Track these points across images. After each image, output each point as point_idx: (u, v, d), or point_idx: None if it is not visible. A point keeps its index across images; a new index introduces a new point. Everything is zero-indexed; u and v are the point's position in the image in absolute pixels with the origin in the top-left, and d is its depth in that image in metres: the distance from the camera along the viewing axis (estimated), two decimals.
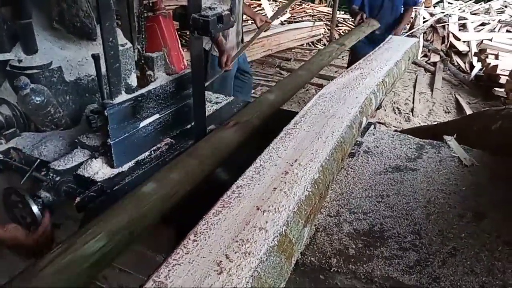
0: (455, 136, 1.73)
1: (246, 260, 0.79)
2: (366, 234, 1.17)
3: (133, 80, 2.00)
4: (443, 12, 7.17)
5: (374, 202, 1.31)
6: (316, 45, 7.14)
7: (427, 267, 1.06)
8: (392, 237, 1.16)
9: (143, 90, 1.45)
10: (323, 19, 7.80)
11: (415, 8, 3.96)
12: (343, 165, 1.47)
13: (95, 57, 1.34)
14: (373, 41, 3.42)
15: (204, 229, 0.87)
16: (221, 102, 1.99)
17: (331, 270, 1.05)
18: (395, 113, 4.95)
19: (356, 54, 3.70)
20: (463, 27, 6.81)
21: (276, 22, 7.53)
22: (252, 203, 0.96)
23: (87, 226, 0.90)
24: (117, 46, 1.32)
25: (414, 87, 5.58)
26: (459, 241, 1.15)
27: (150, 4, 2.31)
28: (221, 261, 0.79)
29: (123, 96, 1.37)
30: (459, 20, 6.90)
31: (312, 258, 1.08)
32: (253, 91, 5.32)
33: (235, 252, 0.81)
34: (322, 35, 7.30)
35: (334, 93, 1.60)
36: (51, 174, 1.30)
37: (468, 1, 8.06)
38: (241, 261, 0.79)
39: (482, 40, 6.15)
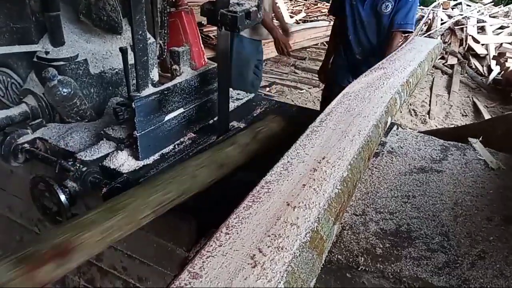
0: (480, 138, 1.70)
1: (280, 254, 0.79)
2: (393, 234, 1.16)
3: (155, 75, 2.02)
4: (461, 14, 7.08)
5: (400, 202, 1.30)
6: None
7: (456, 269, 1.04)
8: (419, 238, 1.15)
9: (169, 84, 1.46)
10: None
11: (404, 34, 2.99)
12: (369, 164, 1.45)
13: (123, 50, 1.35)
14: (354, 66, 2.92)
15: (235, 223, 0.87)
16: (242, 99, 1.99)
17: (359, 269, 1.05)
18: (411, 115, 4.90)
19: (333, 86, 3.05)
20: (481, 30, 6.73)
21: (291, 21, 7.53)
22: (282, 199, 0.95)
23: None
24: (145, 39, 1.32)
25: (431, 89, 5.53)
26: (488, 244, 1.14)
27: (173, 0, 2.32)
28: (254, 255, 0.79)
29: (150, 89, 1.38)
30: (477, 22, 6.80)
31: (339, 256, 1.07)
32: (268, 89, 5.32)
33: (268, 247, 0.81)
34: None
35: (358, 92, 1.58)
36: (78, 165, 1.31)
37: (487, 3, 7.95)
38: (274, 256, 0.79)
39: (501, 43, 6.06)
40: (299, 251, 0.81)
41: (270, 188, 0.99)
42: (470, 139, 1.70)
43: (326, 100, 3.20)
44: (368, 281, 1.05)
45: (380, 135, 1.43)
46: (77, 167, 1.31)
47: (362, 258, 1.06)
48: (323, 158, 1.12)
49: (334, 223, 0.98)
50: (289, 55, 3.67)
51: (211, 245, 0.81)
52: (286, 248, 0.81)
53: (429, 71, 6.10)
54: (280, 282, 0.74)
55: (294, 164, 1.10)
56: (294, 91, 5.44)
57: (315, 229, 0.88)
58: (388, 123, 1.53)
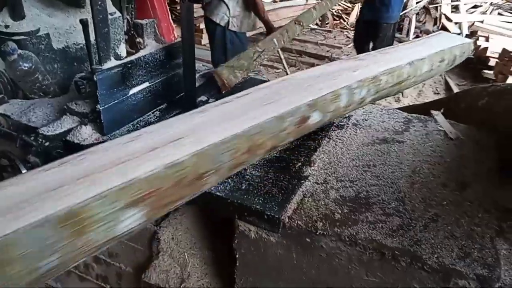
0: (442, 111, 1.75)
1: None
2: (352, 200, 1.20)
3: (122, 50, 1.99)
4: None
5: (360, 171, 1.34)
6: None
7: (409, 231, 1.09)
8: (377, 203, 1.19)
9: (133, 57, 1.45)
10: None
11: None
12: (244, 160, 1.16)
13: (84, 23, 1.33)
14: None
15: None
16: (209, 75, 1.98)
17: (317, 233, 1.08)
18: None
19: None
20: (455, 8, 6.81)
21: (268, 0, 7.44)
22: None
23: None
24: (105, 11, 1.30)
25: None
26: (441, 208, 1.19)
27: None
28: None
29: (112, 62, 1.36)
30: (452, 1, 6.88)
31: (299, 222, 1.11)
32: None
33: None
34: None
35: (301, 79, 1.36)
36: (40, 140, 1.30)
37: None
38: None
39: (474, 22, 6.17)
40: None
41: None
42: (432, 111, 1.75)
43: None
44: (326, 245, 1.09)
45: (285, 129, 1.20)
46: (40, 142, 1.30)
47: (321, 223, 1.10)
48: (180, 138, 0.99)
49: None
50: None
51: None
52: None
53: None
54: None
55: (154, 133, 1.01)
56: (270, 70, 5.43)
57: None
58: (316, 120, 1.30)
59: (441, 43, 1.90)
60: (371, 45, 4.39)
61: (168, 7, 2.51)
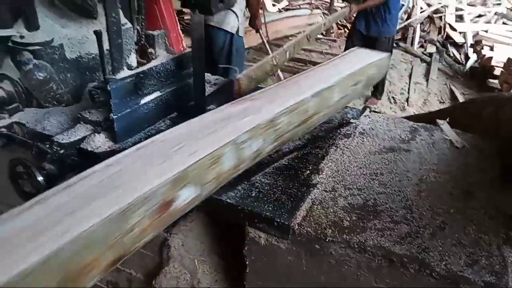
0: (447, 120, 1.77)
1: None
2: (360, 208, 1.22)
3: (133, 60, 2.02)
4: (440, 3, 7.19)
5: (368, 179, 1.36)
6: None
7: (417, 238, 1.11)
8: (384, 211, 1.21)
9: (145, 67, 1.48)
10: (321, 8, 7.80)
11: None
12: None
13: (98, 33, 1.36)
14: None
15: None
16: (219, 83, 2.02)
17: (326, 240, 1.10)
18: (390, 102, 5.01)
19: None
20: (460, 18, 6.85)
21: (273, 9, 7.53)
22: None
23: None
24: (119, 22, 1.34)
25: (410, 77, 5.63)
26: (448, 216, 1.21)
27: None
28: None
29: (125, 72, 1.40)
30: (456, 11, 6.92)
31: (308, 229, 1.13)
32: None
33: None
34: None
35: (161, 145, 0.99)
36: (55, 147, 1.33)
37: None
38: None
39: (478, 31, 6.19)
40: None
41: None
42: (438, 120, 1.77)
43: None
44: (335, 251, 1.11)
45: (135, 227, 0.83)
46: (54, 150, 1.33)
47: (330, 230, 1.12)
48: None
49: None
50: (257, 32, 4.20)
51: None
52: None
53: (405, 60, 6.18)
54: None
55: None
56: (274, 78, 5.47)
57: None
58: (187, 199, 0.96)
59: (354, 62, 1.63)
60: None
61: (177, 18, 2.57)
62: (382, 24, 4.26)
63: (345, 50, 4.77)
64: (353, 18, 4.61)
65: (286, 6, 7.86)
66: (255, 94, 1.31)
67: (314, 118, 1.38)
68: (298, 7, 7.83)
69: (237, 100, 1.27)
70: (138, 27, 2.15)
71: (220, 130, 1.06)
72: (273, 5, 7.76)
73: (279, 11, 7.45)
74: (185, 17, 5.30)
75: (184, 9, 4.70)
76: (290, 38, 6.81)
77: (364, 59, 1.67)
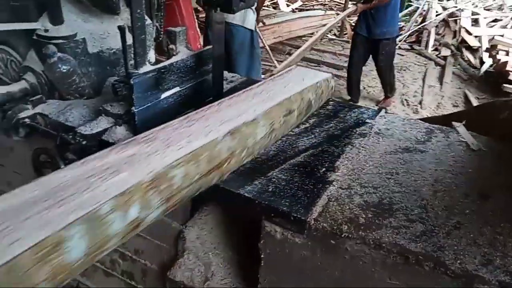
0: (463, 122, 1.77)
1: None
2: (375, 206, 1.23)
3: (151, 56, 2.06)
4: (455, 7, 7.13)
5: (384, 178, 1.37)
6: (327, 35, 7.13)
7: (433, 237, 1.12)
8: (400, 209, 1.22)
9: (166, 63, 1.51)
10: (335, 9, 7.80)
11: None
12: None
13: (122, 29, 1.40)
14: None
15: None
16: (235, 81, 2.05)
17: (342, 236, 1.12)
18: (403, 105, 4.99)
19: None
20: (475, 22, 6.78)
21: (287, 9, 7.55)
22: None
23: None
24: (143, 18, 1.37)
25: (424, 80, 5.60)
26: (464, 217, 1.21)
27: None
28: None
29: (147, 67, 1.43)
30: (471, 15, 6.86)
31: (324, 224, 1.14)
32: (263, 76, 5.36)
33: None
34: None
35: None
36: (78, 138, 1.36)
37: None
38: None
39: (494, 36, 6.13)
40: None
41: None
42: (454, 122, 1.77)
43: None
44: (351, 247, 1.12)
45: None
46: (77, 140, 1.37)
47: (346, 226, 1.14)
48: None
49: None
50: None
51: None
52: None
53: (418, 63, 6.15)
54: None
55: None
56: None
57: None
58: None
59: (288, 86, 1.36)
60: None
61: (195, 16, 2.60)
62: (383, 25, 4.24)
63: (349, 55, 4.78)
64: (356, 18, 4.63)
65: (300, 6, 7.87)
66: (154, 131, 1.04)
67: (231, 163, 1.07)
68: (312, 7, 7.83)
69: (128, 140, 0.99)
70: (157, 24, 2.19)
71: (72, 200, 0.72)
72: (287, 5, 7.78)
73: (293, 11, 7.46)
74: (201, 15, 5.34)
75: (199, 7, 4.73)
76: (303, 38, 6.84)
77: (301, 82, 1.42)
